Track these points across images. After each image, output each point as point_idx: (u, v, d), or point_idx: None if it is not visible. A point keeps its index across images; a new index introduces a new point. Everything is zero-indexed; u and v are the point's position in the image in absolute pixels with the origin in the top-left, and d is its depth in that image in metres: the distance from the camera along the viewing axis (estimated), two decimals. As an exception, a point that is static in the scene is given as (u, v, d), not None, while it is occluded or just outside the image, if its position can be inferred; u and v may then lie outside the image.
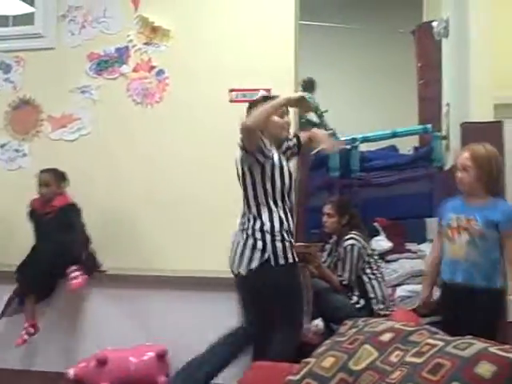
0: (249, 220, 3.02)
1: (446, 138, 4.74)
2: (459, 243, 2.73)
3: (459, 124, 3.78)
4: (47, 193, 3.99)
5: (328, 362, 1.84)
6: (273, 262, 2.93)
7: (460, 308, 2.70)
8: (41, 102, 4.57)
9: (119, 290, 4.04)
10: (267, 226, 2.95)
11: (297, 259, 3.02)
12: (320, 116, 4.29)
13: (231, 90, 4.29)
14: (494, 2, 3.90)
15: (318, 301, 3.60)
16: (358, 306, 3.60)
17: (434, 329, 1.83)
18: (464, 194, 2.82)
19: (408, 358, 1.66)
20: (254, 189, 3.01)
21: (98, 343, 3.77)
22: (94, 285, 4.02)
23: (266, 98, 3.10)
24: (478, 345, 1.56)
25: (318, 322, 3.69)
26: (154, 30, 4.42)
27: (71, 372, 3.50)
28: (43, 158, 4.41)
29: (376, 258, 3.81)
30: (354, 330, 1.95)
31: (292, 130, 3.44)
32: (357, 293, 3.65)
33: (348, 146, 4.63)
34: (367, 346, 1.81)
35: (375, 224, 4.39)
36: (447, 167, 4.50)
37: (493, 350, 1.53)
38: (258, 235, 2.95)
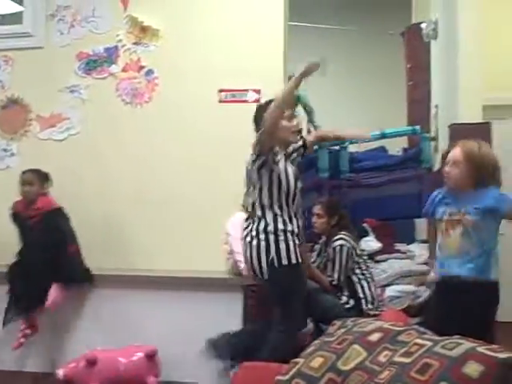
0: (253, 222, 3.05)
1: (434, 139, 4.77)
2: (454, 236, 2.71)
3: (447, 125, 3.80)
4: (30, 192, 3.90)
5: (317, 362, 1.85)
6: (276, 263, 2.96)
7: (454, 303, 2.68)
8: (29, 102, 4.55)
9: (109, 291, 4.02)
10: (271, 227, 2.99)
11: (300, 260, 3.04)
12: (309, 113, 4.28)
13: (220, 91, 4.29)
14: (483, 3, 3.93)
15: (307, 301, 3.60)
16: (347, 306, 3.60)
17: (422, 329, 1.84)
18: (450, 187, 2.79)
19: (396, 358, 1.67)
20: (261, 192, 3.03)
21: (87, 343, 3.75)
22: (83, 285, 4.01)
23: (269, 102, 3.04)
24: (466, 345, 1.57)
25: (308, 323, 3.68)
26: (144, 29, 4.41)
27: (61, 372, 3.48)
28: (32, 157, 4.38)
29: (365, 258, 3.81)
30: (342, 330, 1.96)
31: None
32: (346, 293, 3.65)
33: (337, 147, 4.64)
34: (356, 346, 1.81)
35: (364, 225, 4.40)
36: (436, 168, 4.51)
37: (480, 349, 1.54)
38: (262, 236, 2.99)
